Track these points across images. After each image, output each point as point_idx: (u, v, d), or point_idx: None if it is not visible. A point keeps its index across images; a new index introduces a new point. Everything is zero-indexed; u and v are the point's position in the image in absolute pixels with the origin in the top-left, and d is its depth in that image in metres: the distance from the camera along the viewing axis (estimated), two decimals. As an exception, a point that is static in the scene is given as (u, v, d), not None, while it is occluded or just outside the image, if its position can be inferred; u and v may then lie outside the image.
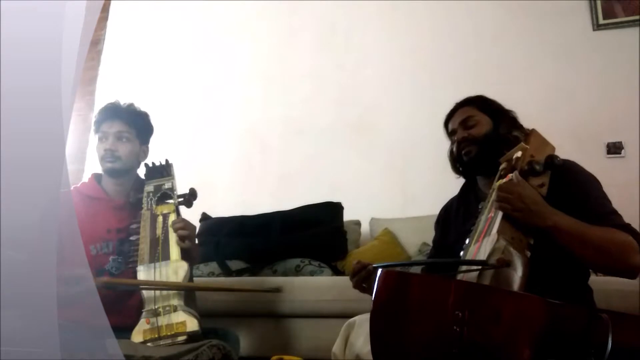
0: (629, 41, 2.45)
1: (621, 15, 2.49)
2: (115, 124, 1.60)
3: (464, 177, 1.43)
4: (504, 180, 1.12)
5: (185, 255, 1.45)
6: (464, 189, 1.45)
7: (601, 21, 2.51)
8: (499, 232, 1.00)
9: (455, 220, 1.40)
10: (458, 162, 1.38)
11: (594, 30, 2.53)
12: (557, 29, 2.59)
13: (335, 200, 2.47)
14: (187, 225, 1.50)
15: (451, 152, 1.41)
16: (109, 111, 1.62)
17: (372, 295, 1.17)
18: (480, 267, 0.95)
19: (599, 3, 2.52)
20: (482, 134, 1.32)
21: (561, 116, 2.42)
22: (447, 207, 1.48)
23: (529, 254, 0.99)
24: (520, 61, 2.61)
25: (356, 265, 1.21)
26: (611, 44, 2.49)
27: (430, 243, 1.57)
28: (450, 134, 1.42)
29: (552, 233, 1.05)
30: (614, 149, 2.39)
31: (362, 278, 1.19)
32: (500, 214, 1.05)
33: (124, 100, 1.67)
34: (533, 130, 1.22)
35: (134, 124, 1.62)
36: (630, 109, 2.36)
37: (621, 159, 2.38)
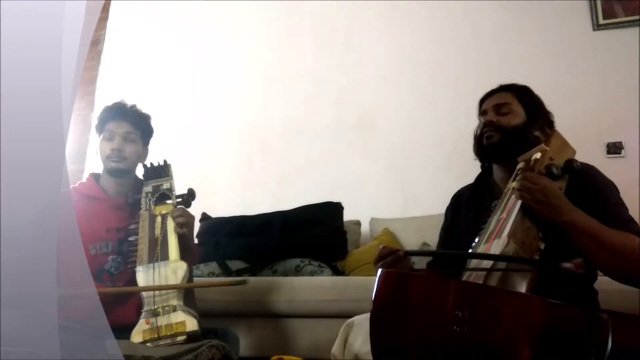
0: (629, 41, 2.44)
1: (621, 15, 2.49)
2: (123, 124, 1.60)
3: (481, 162, 1.40)
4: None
5: (183, 250, 1.45)
6: (479, 179, 1.42)
7: (601, 21, 2.51)
8: (509, 235, 0.99)
9: (465, 211, 1.37)
10: (479, 144, 1.34)
11: (594, 30, 2.53)
12: (557, 29, 2.59)
13: (335, 200, 2.47)
14: (185, 213, 1.51)
15: (475, 133, 1.38)
16: (117, 111, 1.62)
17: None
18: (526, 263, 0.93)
19: (599, 3, 2.52)
20: (511, 125, 1.29)
21: (561, 116, 2.39)
22: (460, 194, 1.45)
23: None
24: (520, 61, 2.61)
25: (383, 250, 1.14)
26: (611, 44, 2.49)
27: (430, 243, 1.56)
28: (481, 113, 1.38)
29: (569, 230, 1.03)
30: (614, 149, 2.39)
31: (388, 264, 1.12)
32: (512, 217, 1.04)
33: (127, 101, 1.67)
34: (554, 132, 1.20)
35: (139, 126, 1.64)
36: (630, 109, 2.36)
37: (621, 159, 2.37)
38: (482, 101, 1.40)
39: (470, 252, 1.07)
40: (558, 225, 1.04)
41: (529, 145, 1.20)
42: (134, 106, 1.66)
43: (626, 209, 1.18)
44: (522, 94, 1.36)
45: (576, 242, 1.04)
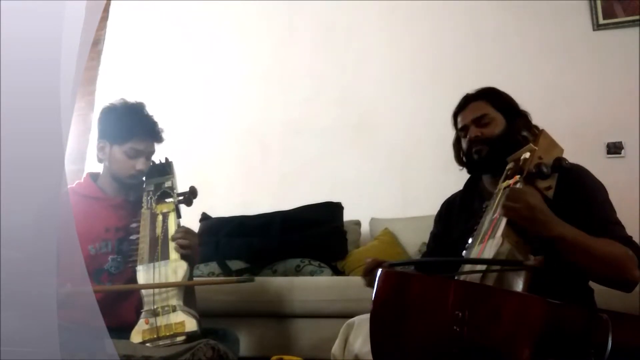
0: (629, 41, 2.44)
1: (621, 15, 2.49)
2: (151, 145, 1.57)
3: (468, 172, 1.42)
4: (511, 182, 1.12)
5: (186, 259, 1.44)
6: (468, 185, 1.43)
7: (601, 21, 2.51)
8: (503, 235, 0.99)
9: (457, 216, 1.38)
10: (467, 160, 1.36)
11: (594, 30, 2.52)
12: (557, 29, 2.59)
13: (335, 200, 2.47)
14: (187, 234, 1.46)
15: (456, 142, 1.40)
16: (147, 131, 1.56)
17: (362, 286, 1.16)
18: (516, 267, 0.93)
19: (599, 3, 2.52)
20: (495, 135, 1.30)
21: (561, 116, 2.42)
22: (450, 201, 1.47)
23: (532, 257, 0.99)
24: (520, 61, 2.61)
25: (370, 263, 1.17)
26: (611, 44, 2.49)
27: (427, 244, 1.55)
28: (461, 129, 1.39)
29: (557, 243, 1.04)
30: (614, 149, 2.39)
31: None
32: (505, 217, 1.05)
33: (147, 110, 1.62)
34: (542, 131, 1.21)
35: (159, 142, 1.62)
36: (630, 109, 2.36)
37: (621, 159, 2.37)
38: (456, 115, 1.41)
39: (452, 257, 1.07)
40: (546, 240, 1.04)
41: (517, 146, 1.21)
42: (156, 123, 1.60)
43: (614, 211, 1.18)
44: (494, 99, 1.37)
45: (565, 254, 1.05)
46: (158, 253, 1.42)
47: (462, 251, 1.10)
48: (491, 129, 1.31)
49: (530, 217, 1.02)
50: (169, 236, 1.46)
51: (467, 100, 1.40)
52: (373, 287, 1.12)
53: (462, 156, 1.40)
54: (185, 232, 1.46)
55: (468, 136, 1.34)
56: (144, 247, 1.44)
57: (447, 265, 1.20)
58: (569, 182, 1.14)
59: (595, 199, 1.18)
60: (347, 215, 2.47)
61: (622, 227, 1.15)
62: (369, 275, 1.17)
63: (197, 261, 1.69)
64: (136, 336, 1.29)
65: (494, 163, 1.29)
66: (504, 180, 1.16)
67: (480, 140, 1.31)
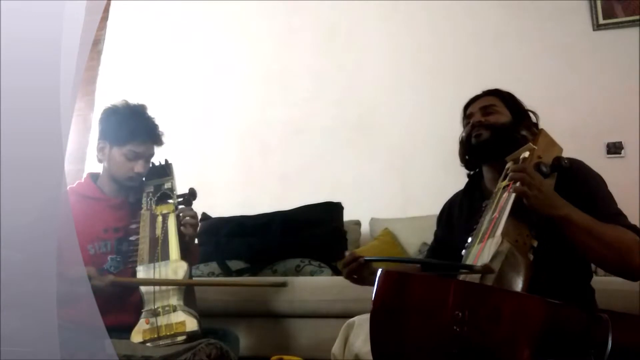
0: (629, 41, 2.45)
1: (621, 15, 2.49)
2: (151, 147, 1.57)
3: (468, 168, 1.42)
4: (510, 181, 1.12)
5: (185, 252, 1.45)
6: (469, 184, 1.44)
7: (601, 21, 2.51)
8: (503, 234, 0.99)
9: (459, 215, 1.39)
10: (467, 145, 1.36)
11: (594, 30, 2.53)
12: (557, 29, 2.59)
13: (335, 200, 2.47)
14: (195, 215, 1.53)
15: (462, 138, 1.40)
16: (147, 134, 1.55)
17: (362, 286, 1.20)
18: (467, 272, 0.96)
19: (599, 3, 2.52)
20: (499, 122, 1.31)
21: (561, 116, 2.42)
22: (452, 201, 1.47)
23: (531, 257, 0.99)
24: (520, 61, 2.62)
25: (348, 257, 1.22)
26: (611, 44, 2.49)
27: (430, 243, 1.56)
28: (467, 117, 1.40)
29: (564, 225, 1.05)
30: (614, 149, 2.39)
31: (352, 270, 1.21)
32: (505, 215, 1.04)
33: (149, 112, 1.61)
34: (541, 131, 1.22)
35: (159, 144, 1.61)
36: (630, 109, 2.36)
37: (621, 159, 2.38)
38: (467, 107, 1.43)
39: (435, 261, 1.08)
40: (552, 220, 1.05)
41: (517, 145, 1.21)
42: (157, 126, 1.60)
43: (615, 202, 1.19)
44: (506, 96, 1.38)
45: (571, 236, 1.06)
46: (158, 253, 1.42)
47: (462, 250, 1.11)
48: (495, 117, 1.32)
49: (539, 196, 1.03)
50: (168, 234, 1.46)
51: (479, 95, 1.42)
52: (351, 279, 1.23)
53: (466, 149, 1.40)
54: (194, 214, 1.52)
55: (471, 122, 1.35)
56: (144, 247, 1.44)
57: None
58: (569, 179, 1.15)
59: (597, 193, 1.18)
60: (347, 215, 2.47)
61: (625, 217, 1.15)
62: (347, 268, 1.22)
63: (197, 259, 1.69)
64: (136, 336, 1.29)
65: (491, 149, 1.29)
66: (504, 180, 1.16)
67: (482, 124, 1.32)
